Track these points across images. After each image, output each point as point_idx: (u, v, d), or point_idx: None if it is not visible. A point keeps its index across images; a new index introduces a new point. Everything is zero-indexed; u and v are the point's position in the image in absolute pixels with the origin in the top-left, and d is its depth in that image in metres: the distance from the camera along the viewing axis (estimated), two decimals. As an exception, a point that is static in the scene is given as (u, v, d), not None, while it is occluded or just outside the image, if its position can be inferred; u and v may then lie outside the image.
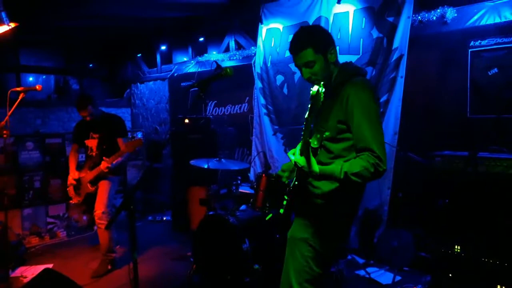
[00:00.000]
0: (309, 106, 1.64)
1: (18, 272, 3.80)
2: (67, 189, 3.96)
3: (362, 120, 1.75)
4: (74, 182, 3.87)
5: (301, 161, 1.68)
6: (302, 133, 1.69)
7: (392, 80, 3.64)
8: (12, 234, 4.20)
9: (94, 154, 3.84)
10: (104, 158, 3.62)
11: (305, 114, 1.64)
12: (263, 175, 2.97)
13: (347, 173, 1.69)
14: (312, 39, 1.88)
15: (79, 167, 3.97)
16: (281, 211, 1.88)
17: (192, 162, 3.68)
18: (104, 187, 3.78)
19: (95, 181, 3.80)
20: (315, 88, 1.60)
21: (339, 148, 1.87)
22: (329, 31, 4.24)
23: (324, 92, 1.59)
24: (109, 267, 3.80)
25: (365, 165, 1.68)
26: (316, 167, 1.71)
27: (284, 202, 1.88)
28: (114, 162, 3.64)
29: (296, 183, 1.84)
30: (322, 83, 1.62)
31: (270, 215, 2.93)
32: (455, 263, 2.94)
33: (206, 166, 3.53)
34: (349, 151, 1.85)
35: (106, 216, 3.67)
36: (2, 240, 3.57)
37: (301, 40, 1.89)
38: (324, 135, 1.82)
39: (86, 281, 3.56)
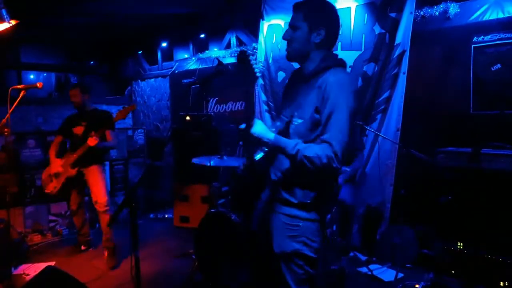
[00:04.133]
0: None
1: (20, 269, 3.80)
2: (42, 177, 3.99)
3: (333, 111, 1.64)
4: (61, 169, 3.88)
5: (256, 128, 1.72)
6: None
7: (394, 76, 3.62)
8: (14, 232, 4.20)
9: (80, 138, 3.84)
10: (92, 133, 3.63)
11: None
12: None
13: (300, 151, 1.64)
14: (310, 5, 1.78)
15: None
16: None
17: (194, 160, 3.67)
18: (95, 176, 3.84)
19: (76, 163, 3.81)
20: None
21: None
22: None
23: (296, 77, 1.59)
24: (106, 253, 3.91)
25: (320, 154, 1.61)
26: (270, 134, 1.72)
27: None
28: (102, 142, 3.70)
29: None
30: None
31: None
32: (458, 260, 2.93)
33: (208, 164, 3.52)
34: None
35: (110, 202, 3.83)
36: (4, 238, 3.57)
37: (302, 1, 1.82)
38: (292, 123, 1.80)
39: (88, 278, 3.56)
